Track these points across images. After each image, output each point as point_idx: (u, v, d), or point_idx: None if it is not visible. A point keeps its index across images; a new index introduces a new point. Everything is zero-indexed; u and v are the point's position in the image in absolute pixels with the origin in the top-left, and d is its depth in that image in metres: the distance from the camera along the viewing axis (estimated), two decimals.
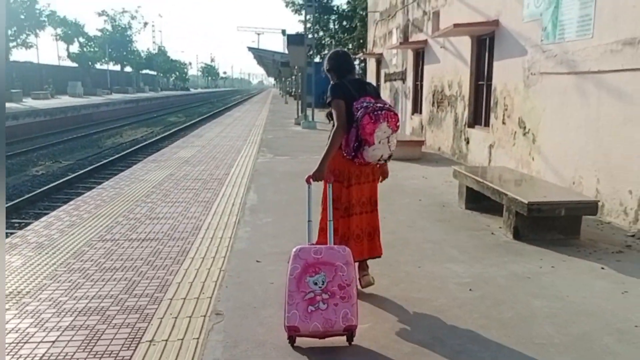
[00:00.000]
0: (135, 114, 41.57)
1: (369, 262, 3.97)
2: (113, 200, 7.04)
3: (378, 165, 3.87)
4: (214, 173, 9.12)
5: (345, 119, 3.61)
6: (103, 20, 63.42)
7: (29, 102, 34.20)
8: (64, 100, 38.57)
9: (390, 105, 3.69)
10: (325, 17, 37.74)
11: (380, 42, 18.90)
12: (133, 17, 64.92)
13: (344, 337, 3.09)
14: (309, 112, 20.09)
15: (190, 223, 5.89)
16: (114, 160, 16.36)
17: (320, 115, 25.69)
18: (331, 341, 3.10)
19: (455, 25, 9.47)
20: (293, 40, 19.56)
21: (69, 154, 19.46)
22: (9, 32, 34.08)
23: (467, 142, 10.49)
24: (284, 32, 32.84)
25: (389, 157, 3.80)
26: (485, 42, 9.79)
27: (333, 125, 3.70)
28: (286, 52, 29.72)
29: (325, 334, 3.02)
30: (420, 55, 14.04)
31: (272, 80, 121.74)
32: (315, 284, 3.02)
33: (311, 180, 3.59)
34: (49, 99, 39.93)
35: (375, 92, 3.87)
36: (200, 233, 5.50)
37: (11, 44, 34.71)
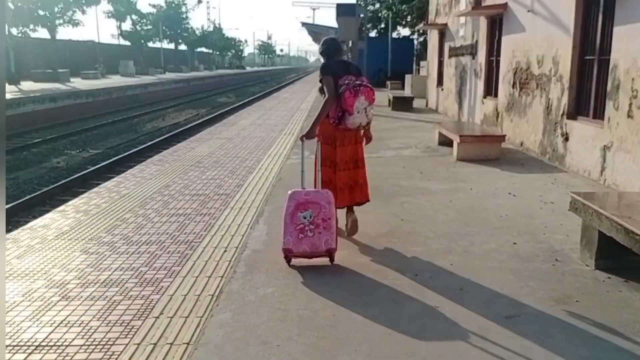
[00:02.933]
0: (184, 94, 40.02)
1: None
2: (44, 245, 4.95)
3: (361, 132, 4.80)
4: (223, 184, 6.91)
5: (334, 91, 4.49)
6: None
7: (77, 83, 33.27)
8: (113, 80, 37.55)
9: (367, 82, 4.56)
10: None
11: (444, 10, 16.07)
12: None
13: (327, 259, 4.10)
14: None
15: (122, 320, 3.67)
16: (131, 155, 14.42)
17: (376, 95, 22.90)
18: (317, 261, 4.10)
19: None
20: (343, 10, 17.03)
21: (102, 140, 17.90)
22: (55, 9, 32.96)
23: (566, 139, 7.81)
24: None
25: (367, 124, 4.66)
26: (599, 0, 7.06)
27: (324, 97, 4.59)
28: None
29: (312, 254, 4.05)
30: (496, 24, 11.27)
31: None
32: (305, 217, 4.02)
33: (304, 138, 4.55)
34: (98, 79, 39.09)
35: (356, 70, 4.73)
36: (138, 335, 3.27)
37: (57, 22, 33.56)
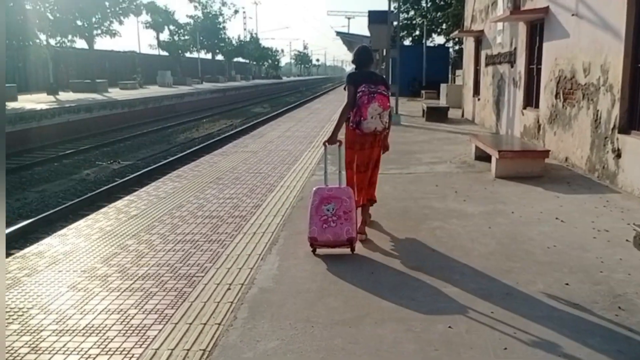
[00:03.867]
0: (220, 104, 40.05)
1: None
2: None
3: (377, 138, 5.10)
4: (240, 204, 6.42)
5: (352, 99, 4.91)
6: (193, 6, 62.92)
7: (114, 93, 33.60)
8: (151, 90, 37.87)
9: (383, 90, 4.92)
10: None
11: (480, 17, 15.34)
12: (224, 4, 63.90)
13: (349, 249, 4.60)
14: (392, 102, 16.91)
15: None
16: (156, 169, 14.16)
17: (408, 106, 22.19)
18: (340, 251, 4.59)
19: None
20: (375, 17, 16.46)
21: (134, 151, 17.80)
22: (93, 19, 33.36)
23: (618, 156, 7.05)
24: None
25: (383, 130, 5.01)
26: None
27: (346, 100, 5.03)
28: None
29: (335, 243, 4.56)
30: (537, 30, 10.53)
31: None
32: (328, 210, 4.54)
33: (326, 144, 5.04)
34: (136, 89, 39.49)
35: (380, 80, 5.09)
36: None
37: (95, 32, 33.96)
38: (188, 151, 15.88)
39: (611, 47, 7.22)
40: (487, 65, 14.42)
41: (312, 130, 14.34)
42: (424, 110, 17.46)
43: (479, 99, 15.66)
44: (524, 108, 11.20)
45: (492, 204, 6.32)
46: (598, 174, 7.65)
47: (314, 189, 4.71)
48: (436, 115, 16.53)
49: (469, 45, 17.24)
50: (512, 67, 12.01)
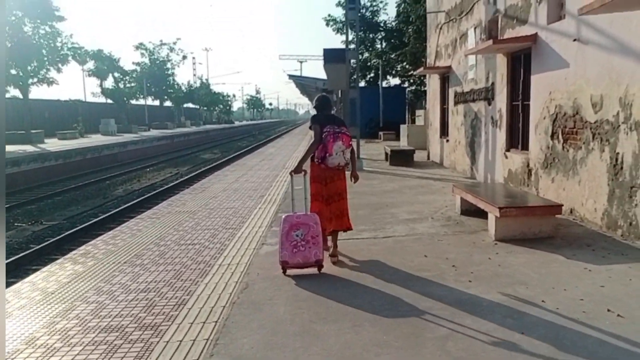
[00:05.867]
0: (167, 151, 37.87)
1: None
2: None
3: (340, 172, 5.67)
4: (156, 301, 4.46)
5: (319, 137, 5.49)
6: (140, 53, 60.90)
7: (51, 143, 31.00)
8: (92, 140, 35.38)
9: (345, 131, 5.56)
10: (371, 35, 33.19)
11: (447, 52, 14.08)
12: (172, 50, 62.15)
13: (316, 269, 5.13)
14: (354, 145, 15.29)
15: None
16: (86, 228, 12.08)
17: (368, 148, 20.52)
18: (308, 271, 5.10)
19: None
20: (332, 56, 14.88)
21: (63, 209, 15.56)
22: (28, 67, 30.98)
23: None
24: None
25: (346, 164, 5.59)
26: None
27: (311, 139, 5.69)
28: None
29: (304, 265, 5.07)
30: (520, 61, 9.17)
31: None
32: (297, 235, 5.03)
33: (293, 173, 5.54)
34: (76, 139, 36.87)
35: (339, 122, 5.71)
36: None
37: (30, 81, 31.48)
38: (108, 214, 13.66)
39: (634, 75, 5.76)
40: (457, 103, 13.04)
41: (264, 180, 12.50)
42: (387, 154, 15.96)
43: (447, 140, 14.24)
44: (507, 150, 9.73)
45: (510, 286, 4.60)
46: (622, 232, 6.09)
47: (284, 216, 5.24)
48: (401, 158, 15.03)
49: (433, 83, 15.93)
50: (489, 104, 10.60)
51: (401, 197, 9.61)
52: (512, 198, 6.78)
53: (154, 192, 17.19)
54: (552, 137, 7.84)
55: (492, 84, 10.36)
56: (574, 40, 6.96)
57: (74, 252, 6.43)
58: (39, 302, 4.56)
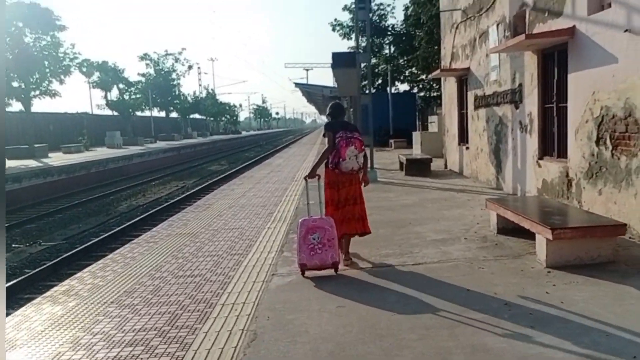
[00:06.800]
0: (174, 163, 37.09)
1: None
2: None
3: (359, 176, 5.85)
4: None
5: (332, 143, 5.69)
6: (145, 64, 60.41)
7: (55, 158, 30.31)
8: (97, 153, 34.70)
9: (358, 136, 5.73)
10: (379, 40, 32.33)
11: (464, 53, 13.19)
12: (177, 60, 61.65)
13: (332, 270, 5.35)
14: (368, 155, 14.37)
15: None
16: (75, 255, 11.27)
17: (379, 157, 19.45)
18: (325, 272, 5.32)
19: None
20: (341, 61, 14.08)
21: (63, 227, 14.84)
22: (30, 79, 30.36)
23: None
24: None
25: (359, 169, 5.76)
26: None
27: (327, 145, 5.82)
28: (335, 85, 24.19)
29: (321, 267, 5.30)
30: (553, 58, 8.26)
31: (324, 118, 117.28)
32: (314, 239, 5.24)
33: (307, 178, 5.82)
34: (81, 152, 36.20)
35: (353, 128, 5.92)
36: None
37: (32, 93, 30.84)
38: (136, 219, 12.85)
39: None
40: (477, 107, 12.13)
41: (273, 194, 11.62)
42: (402, 163, 15.04)
43: (467, 148, 13.32)
44: (540, 158, 8.81)
45: (585, 334, 3.67)
46: None
47: (300, 220, 5.41)
48: (417, 168, 14.11)
49: (449, 86, 15.03)
50: (516, 108, 9.69)
51: (424, 212, 8.71)
52: (562, 216, 5.84)
53: (158, 207, 16.37)
54: (597, 143, 6.91)
55: (520, 85, 9.46)
56: (625, 31, 6.05)
57: (55, 288, 5.57)
58: None
